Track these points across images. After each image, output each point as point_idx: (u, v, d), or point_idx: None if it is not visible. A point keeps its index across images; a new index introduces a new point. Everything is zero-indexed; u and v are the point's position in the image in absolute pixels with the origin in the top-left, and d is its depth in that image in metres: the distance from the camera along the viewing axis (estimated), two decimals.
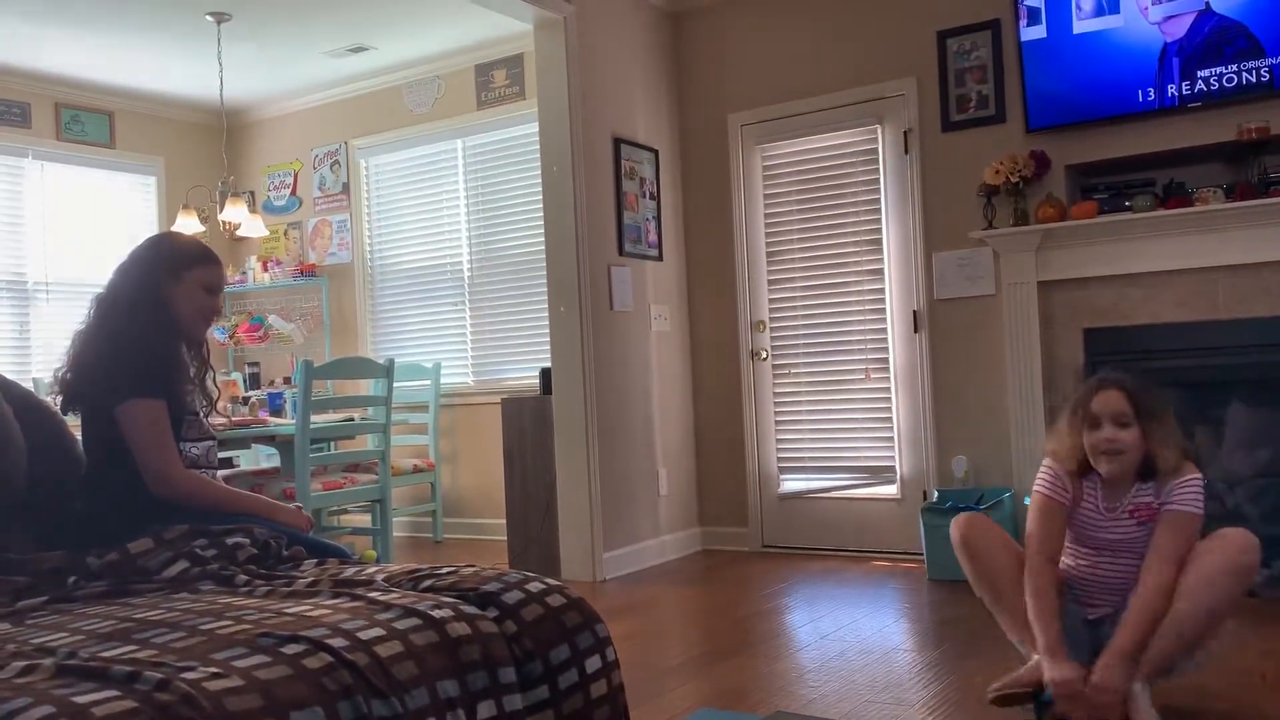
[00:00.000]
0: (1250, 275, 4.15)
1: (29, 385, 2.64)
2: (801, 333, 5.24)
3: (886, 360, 5.00)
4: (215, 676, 1.39)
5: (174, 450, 2.34)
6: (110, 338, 2.34)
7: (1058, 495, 2.58)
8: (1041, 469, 2.63)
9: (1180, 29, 4.18)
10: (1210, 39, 4.12)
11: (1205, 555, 2.40)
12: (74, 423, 2.45)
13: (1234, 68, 4.08)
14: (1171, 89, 4.20)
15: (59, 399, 2.39)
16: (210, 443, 2.50)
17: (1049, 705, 2.42)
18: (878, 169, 5.01)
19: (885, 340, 5.00)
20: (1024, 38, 4.47)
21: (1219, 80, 4.11)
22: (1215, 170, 4.32)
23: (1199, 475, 2.49)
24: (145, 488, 2.30)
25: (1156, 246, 4.26)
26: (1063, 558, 2.65)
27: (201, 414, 2.48)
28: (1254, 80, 4.05)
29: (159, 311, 2.39)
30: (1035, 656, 2.51)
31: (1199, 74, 4.15)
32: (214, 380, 2.58)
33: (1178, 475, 2.49)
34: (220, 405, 4.88)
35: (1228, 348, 4.21)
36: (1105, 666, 2.36)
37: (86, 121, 6.66)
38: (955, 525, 2.70)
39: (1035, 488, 2.62)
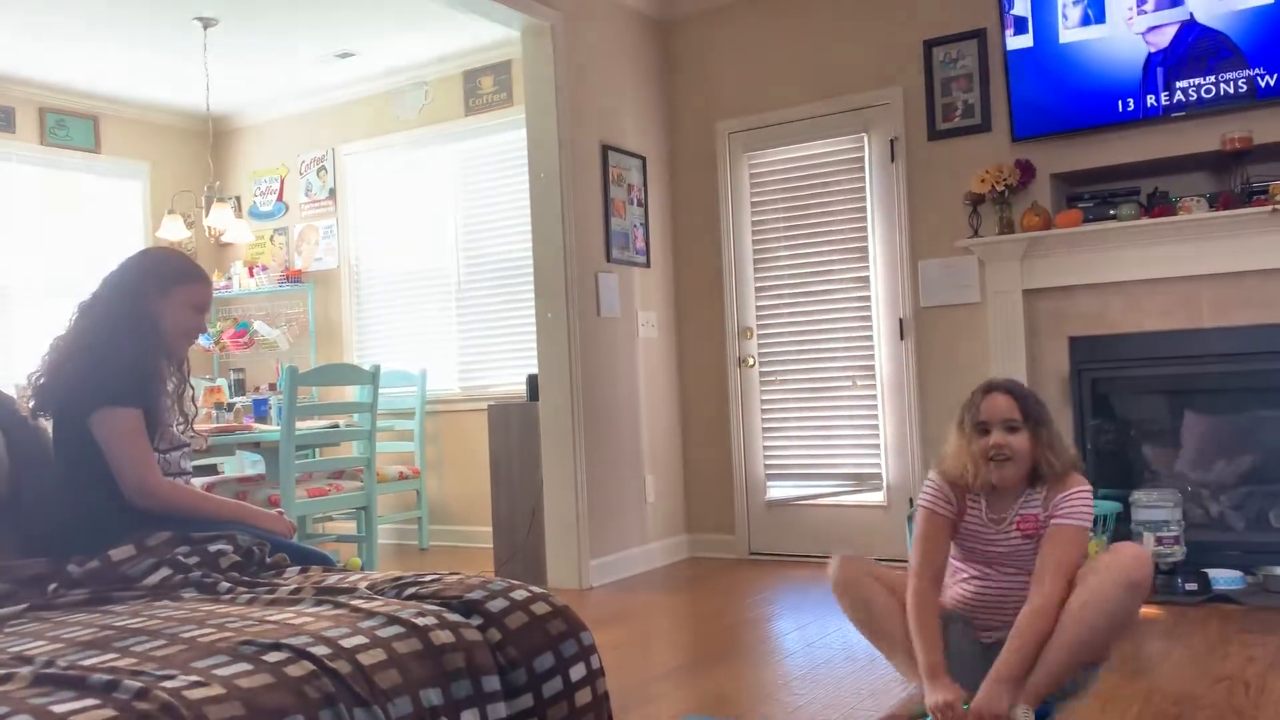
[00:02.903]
0: (1233, 284, 4.17)
1: (10, 392, 2.61)
2: (788, 340, 5.24)
3: (873, 368, 5.01)
4: (196, 685, 1.38)
5: (153, 459, 2.32)
6: (90, 345, 2.32)
7: (940, 509, 2.48)
8: (925, 483, 2.53)
9: (1164, 39, 4.21)
10: (1193, 49, 4.15)
11: (1096, 572, 2.28)
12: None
13: (1217, 78, 4.11)
14: (1154, 99, 4.23)
15: (31, 403, 2.36)
16: (182, 450, 2.49)
17: None
18: (864, 177, 5.02)
19: (871, 348, 5.01)
20: (1010, 47, 4.50)
21: (1202, 90, 4.14)
22: (1199, 179, 4.35)
23: (1088, 486, 2.39)
24: (120, 495, 2.28)
25: (1141, 255, 4.28)
26: (953, 579, 2.54)
27: (176, 429, 2.46)
28: (1237, 91, 4.08)
29: (142, 323, 2.38)
30: (918, 684, 2.40)
31: (1183, 84, 4.18)
32: (192, 399, 2.57)
33: (1065, 486, 2.38)
34: (205, 413, 4.88)
35: (1211, 356, 4.23)
36: (986, 690, 2.26)
37: (71, 126, 6.63)
38: (832, 567, 2.59)
39: (918, 502, 2.53)
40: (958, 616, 2.51)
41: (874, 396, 5.01)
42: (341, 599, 1.82)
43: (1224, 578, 3.92)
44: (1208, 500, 4.32)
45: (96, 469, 2.28)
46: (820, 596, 4.32)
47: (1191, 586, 3.87)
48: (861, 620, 2.59)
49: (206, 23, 5.45)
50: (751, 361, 5.33)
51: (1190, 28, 4.15)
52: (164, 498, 2.31)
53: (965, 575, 2.54)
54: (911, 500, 4.86)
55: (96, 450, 2.27)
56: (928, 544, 2.47)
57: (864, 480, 5.06)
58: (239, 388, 6.68)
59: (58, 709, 1.28)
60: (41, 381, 2.34)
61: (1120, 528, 4.11)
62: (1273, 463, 4.25)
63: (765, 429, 5.31)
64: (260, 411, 5.08)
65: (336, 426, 5.06)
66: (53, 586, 2.02)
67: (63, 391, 2.31)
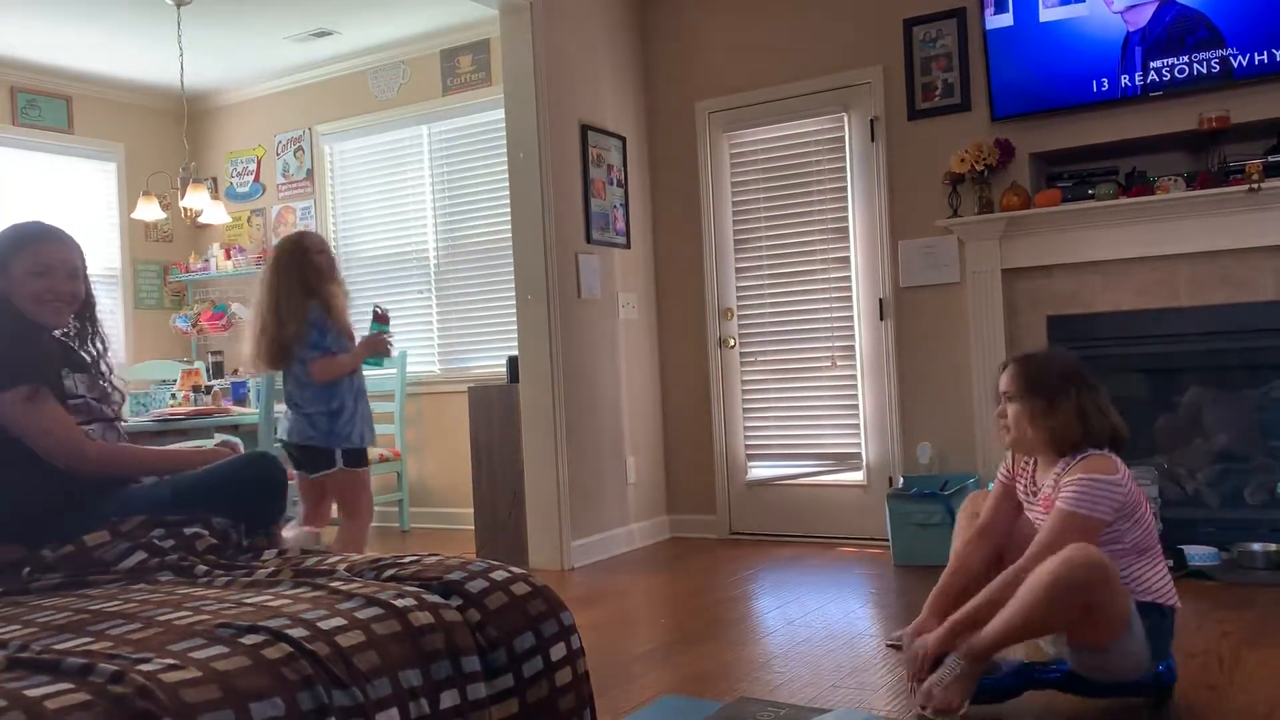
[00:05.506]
0: (1209, 263, 4.20)
1: None
2: (769, 320, 5.25)
3: (853, 348, 5.02)
4: (172, 668, 1.37)
5: (70, 424, 2.27)
6: None
7: (1002, 476, 2.70)
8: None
9: (1142, 18, 4.21)
10: (1171, 29, 4.16)
11: (1048, 561, 2.27)
12: None
13: (1194, 57, 4.12)
14: (1129, 79, 4.24)
15: None
16: (102, 423, 2.41)
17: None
18: (844, 157, 5.02)
19: (851, 328, 5.02)
20: (989, 26, 4.49)
21: (1179, 70, 4.15)
22: (1177, 159, 4.36)
23: (1103, 471, 2.38)
24: (53, 478, 2.24)
25: (1118, 234, 4.30)
26: None
27: (92, 402, 2.41)
28: (1211, 71, 4.09)
29: (2, 306, 2.33)
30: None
31: (1161, 63, 4.19)
32: (108, 367, 2.50)
33: (1083, 468, 2.40)
34: (183, 396, 4.84)
35: (1187, 335, 4.26)
36: (937, 631, 2.43)
37: (44, 106, 6.54)
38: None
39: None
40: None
41: (854, 376, 5.02)
42: (320, 581, 1.81)
43: (1199, 554, 3.96)
44: (1184, 478, 4.36)
45: (22, 456, 2.24)
46: (801, 575, 4.34)
47: (1167, 563, 3.90)
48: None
49: (180, 1, 5.37)
50: (732, 342, 5.33)
51: (1168, 7, 4.16)
52: (96, 458, 2.28)
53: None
54: (890, 480, 4.88)
55: (14, 439, 2.23)
56: (991, 504, 2.69)
57: (844, 460, 5.08)
58: (217, 370, 6.63)
59: (32, 693, 1.26)
60: None
61: None
62: (1248, 440, 4.29)
63: (746, 409, 5.31)
64: (239, 394, 5.06)
65: None
66: (26, 570, 2.01)
67: None
